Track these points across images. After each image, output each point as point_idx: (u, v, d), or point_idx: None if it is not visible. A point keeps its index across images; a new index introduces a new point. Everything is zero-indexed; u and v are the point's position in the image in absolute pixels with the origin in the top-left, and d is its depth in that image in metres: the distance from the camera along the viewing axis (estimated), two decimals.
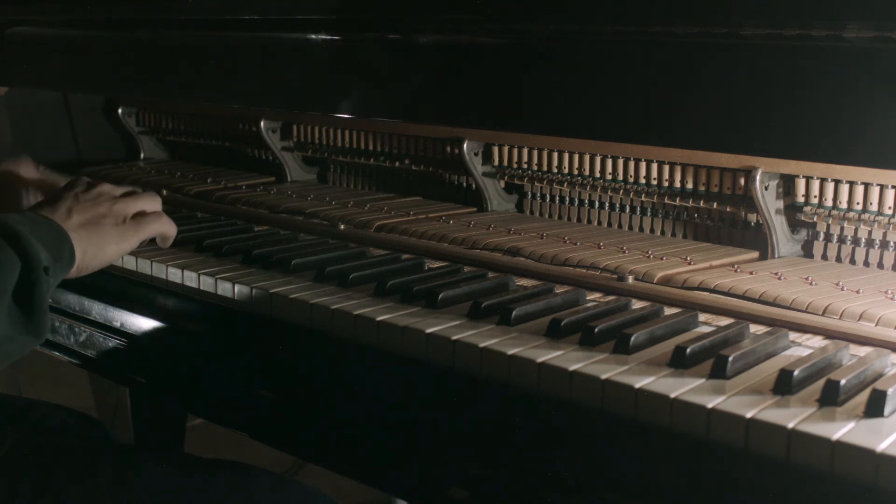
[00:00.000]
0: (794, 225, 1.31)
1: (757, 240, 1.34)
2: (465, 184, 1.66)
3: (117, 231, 1.24)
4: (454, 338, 1.00)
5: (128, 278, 1.33)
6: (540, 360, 0.94)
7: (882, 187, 1.21)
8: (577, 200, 1.53)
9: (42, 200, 1.27)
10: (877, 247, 1.25)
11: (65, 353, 1.44)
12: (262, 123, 1.84)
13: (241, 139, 1.95)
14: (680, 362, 0.93)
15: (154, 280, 1.31)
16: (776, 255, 1.30)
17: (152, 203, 1.33)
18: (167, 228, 1.33)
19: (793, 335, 1.02)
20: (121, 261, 1.34)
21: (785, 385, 0.86)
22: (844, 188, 1.23)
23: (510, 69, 1.35)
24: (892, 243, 1.24)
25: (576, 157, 1.47)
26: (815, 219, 1.27)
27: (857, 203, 1.22)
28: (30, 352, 1.05)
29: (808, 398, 0.85)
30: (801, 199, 1.27)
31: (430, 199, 1.69)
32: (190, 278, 1.27)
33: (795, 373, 0.87)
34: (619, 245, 1.34)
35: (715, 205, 1.35)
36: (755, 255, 1.32)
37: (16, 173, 1.38)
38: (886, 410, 0.81)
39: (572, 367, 0.92)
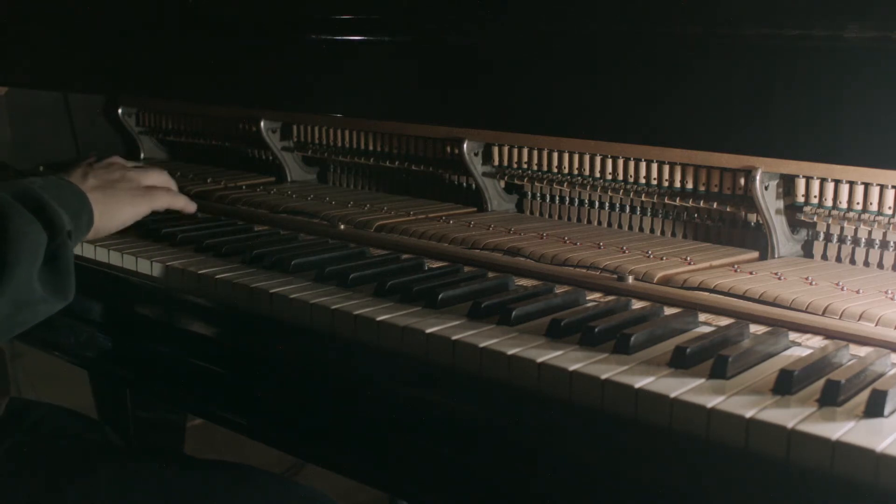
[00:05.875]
0: (794, 225, 1.31)
1: (757, 240, 1.34)
2: (465, 184, 1.66)
3: (130, 195, 1.30)
4: (454, 338, 1.00)
5: (128, 278, 1.33)
6: (540, 360, 0.94)
7: (882, 187, 1.21)
8: (577, 200, 1.53)
9: (57, 167, 1.32)
10: (877, 247, 1.25)
11: (65, 353, 1.44)
12: (262, 123, 1.84)
13: (241, 139, 1.95)
14: (680, 362, 0.92)
15: (154, 280, 1.31)
16: (776, 255, 1.30)
17: (162, 178, 1.39)
18: (180, 203, 1.38)
19: (793, 335, 1.02)
20: (121, 260, 1.34)
21: (785, 385, 0.86)
22: (844, 188, 1.23)
23: (510, 69, 1.35)
24: (892, 243, 1.24)
25: (576, 157, 1.47)
26: (815, 219, 1.27)
27: (857, 203, 1.22)
28: (30, 353, 1.06)
29: (808, 398, 0.85)
30: (801, 199, 1.27)
31: (430, 199, 1.68)
32: (190, 278, 1.26)
33: (795, 373, 0.87)
34: (619, 245, 1.34)
35: (715, 205, 1.35)
36: (755, 255, 1.32)
37: None
38: (886, 410, 0.81)
39: (572, 367, 0.92)
